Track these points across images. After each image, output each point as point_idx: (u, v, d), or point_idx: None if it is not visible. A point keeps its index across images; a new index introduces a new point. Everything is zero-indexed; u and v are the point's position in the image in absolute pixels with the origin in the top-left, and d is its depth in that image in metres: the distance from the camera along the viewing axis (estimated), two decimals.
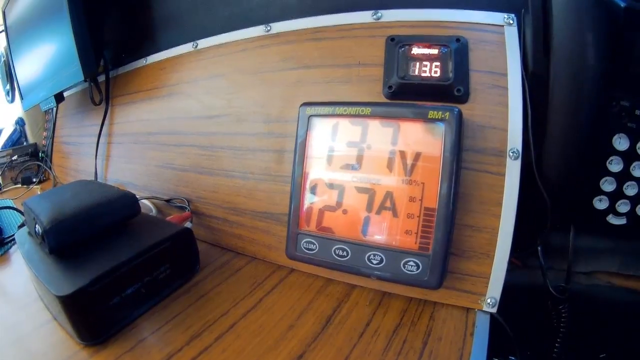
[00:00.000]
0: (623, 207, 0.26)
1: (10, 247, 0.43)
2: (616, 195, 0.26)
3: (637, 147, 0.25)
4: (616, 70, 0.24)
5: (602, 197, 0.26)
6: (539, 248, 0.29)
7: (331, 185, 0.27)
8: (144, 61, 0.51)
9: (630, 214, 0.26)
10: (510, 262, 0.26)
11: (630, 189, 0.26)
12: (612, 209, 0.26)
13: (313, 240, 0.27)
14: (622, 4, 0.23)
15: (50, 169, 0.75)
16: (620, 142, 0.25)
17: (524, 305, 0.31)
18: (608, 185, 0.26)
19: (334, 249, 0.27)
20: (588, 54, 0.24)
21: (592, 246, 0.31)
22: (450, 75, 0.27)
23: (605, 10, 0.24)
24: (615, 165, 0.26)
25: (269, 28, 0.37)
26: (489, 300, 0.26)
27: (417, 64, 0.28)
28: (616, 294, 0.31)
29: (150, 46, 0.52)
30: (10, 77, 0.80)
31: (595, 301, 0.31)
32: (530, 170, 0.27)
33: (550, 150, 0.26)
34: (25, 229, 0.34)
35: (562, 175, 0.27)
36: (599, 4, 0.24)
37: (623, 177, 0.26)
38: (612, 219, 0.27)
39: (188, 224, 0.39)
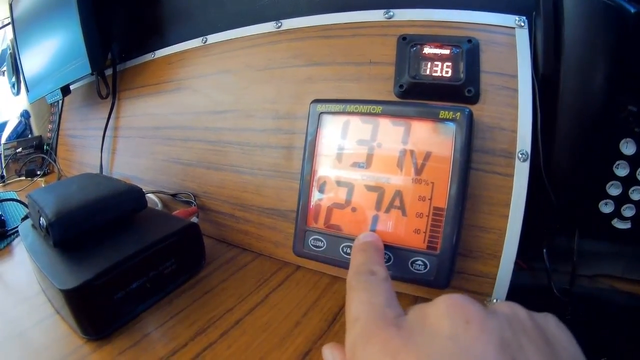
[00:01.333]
0: (628, 211, 0.26)
1: (14, 239, 0.43)
2: (622, 199, 0.26)
3: None
4: (625, 74, 0.25)
5: (607, 201, 0.27)
6: (545, 250, 0.30)
7: (340, 183, 0.27)
8: (152, 55, 0.51)
9: (635, 219, 0.26)
10: (516, 264, 0.27)
11: (635, 194, 0.26)
12: (617, 213, 0.27)
13: (321, 238, 0.27)
14: (632, 10, 0.24)
15: (54, 161, 0.75)
16: (627, 147, 0.26)
17: (529, 306, 0.31)
18: (614, 189, 0.26)
19: (341, 246, 0.27)
20: (598, 58, 0.24)
21: (596, 250, 0.31)
22: (462, 75, 0.27)
23: (615, 15, 0.24)
24: (621, 169, 0.26)
25: (279, 24, 0.37)
26: (494, 301, 0.26)
27: (429, 63, 0.28)
28: (619, 297, 0.31)
29: (159, 40, 0.52)
30: (16, 69, 0.80)
31: (598, 304, 0.31)
32: (538, 172, 0.27)
33: (558, 152, 0.26)
34: (28, 222, 0.34)
35: (569, 178, 0.27)
36: (610, 9, 0.24)
37: (629, 181, 0.26)
38: (617, 223, 0.27)
39: (194, 219, 0.39)
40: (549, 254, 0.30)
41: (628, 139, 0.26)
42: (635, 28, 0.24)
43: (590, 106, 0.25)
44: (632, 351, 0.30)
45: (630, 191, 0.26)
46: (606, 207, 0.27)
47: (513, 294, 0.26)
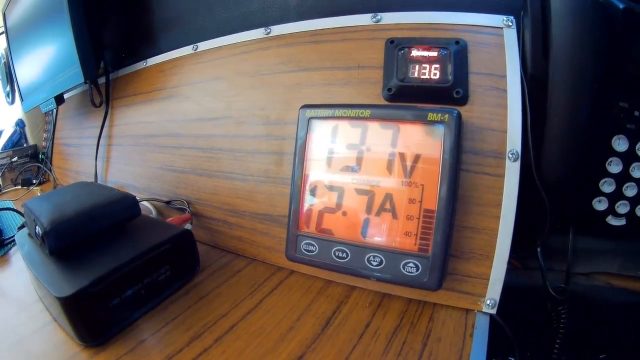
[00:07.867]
0: (622, 208, 0.26)
1: (10, 248, 0.43)
2: (615, 196, 0.26)
3: (636, 148, 0.25)
4: (615, 71, 0.24)
5: (601, 198, 0.26)
6: (539, 249, 0.29)
7: (331, 187, 0.27)
8: (144, 63, 0.51)
9: (630, 215, 0.26)
10: (509, 264, 0.26)
11: (629, 190, 0.26)
12: (611, 210, 0.27)
13: (313, 242, 0.27)
14: (621, 5, 0.24)
15: (50, 170, 0.75)
16: (620, 143, 0.26)
17: (524, 306, 0.31)
18: (607, 186, 0.26)
19: (333, 250, 0.27)
20: (587, 55, 0.24)
21: (591, 247, 0.31)
22: (450, 77, 0.27)
23: (603, 12, 0.24)
24: (614, 166, 0.26)
25: (268, 31, 0.37)
26: (488, 302, 0.26)
27: (417, 66, 0.28)
28: (615, 294, 0.31)
29: (150, 48, 0.52)
30: (10, 78, 0.81)
31: (595, 302, 0.31)
32: (529, 171, 0.27)
33: (550, 151, 0.26)
34: (25, 231, 0.34)
35: (561, 176, 0.27)
36: (598, 6, 0.24)
37: (622, 178, 0.26)
38: (612, 220, 0.27)
39: (188, 226, 0.39)
40: (543, 253, 0.30)
41: (620, 136, 0.26)
42: (624, 24, 0.24)
43: (580, 104, 0.25)
44: (630, 347, 0.30)
45: (624, 187, 0.26)
46: (600, 205, 0.27)
47: (508, 294, 0.26)
